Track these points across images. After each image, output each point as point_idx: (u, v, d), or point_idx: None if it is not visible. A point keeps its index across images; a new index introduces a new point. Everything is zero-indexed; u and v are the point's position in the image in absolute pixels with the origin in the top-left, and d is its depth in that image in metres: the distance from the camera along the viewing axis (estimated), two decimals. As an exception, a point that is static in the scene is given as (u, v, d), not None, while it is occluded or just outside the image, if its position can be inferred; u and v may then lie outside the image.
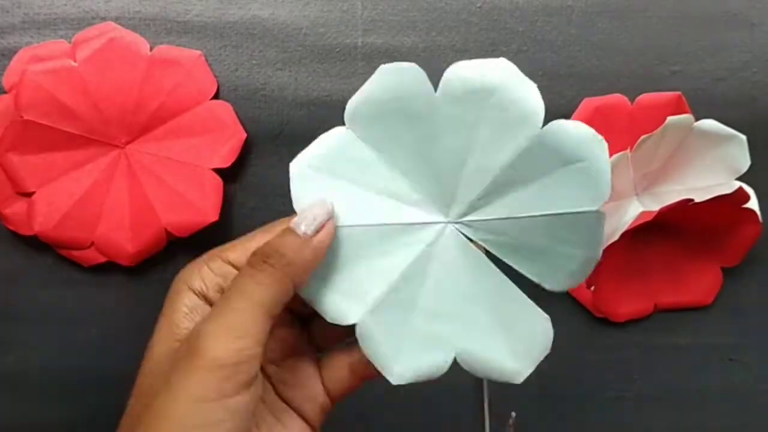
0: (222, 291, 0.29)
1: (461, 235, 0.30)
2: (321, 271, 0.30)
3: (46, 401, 0.45)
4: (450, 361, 0.30)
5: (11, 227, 0.43)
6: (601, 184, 0.28)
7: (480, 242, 0.30)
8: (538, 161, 0.29)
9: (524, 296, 0.30)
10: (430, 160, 0.30)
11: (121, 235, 0.43)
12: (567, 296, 0.47)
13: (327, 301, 0.30)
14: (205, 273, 0.29)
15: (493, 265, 0.30)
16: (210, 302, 0.29)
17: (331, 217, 0.29)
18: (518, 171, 0.29)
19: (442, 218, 0.30)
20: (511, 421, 0.30)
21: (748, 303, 0.48)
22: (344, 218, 0.30)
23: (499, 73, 0.29)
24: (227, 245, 0.30)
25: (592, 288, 0.45)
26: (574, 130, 0.28)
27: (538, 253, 0.30)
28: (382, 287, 0.30)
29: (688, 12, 0.46)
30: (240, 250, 0.30)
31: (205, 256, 0.30)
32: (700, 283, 0.47)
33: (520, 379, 0.30)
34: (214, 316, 0.27)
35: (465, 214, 0.30)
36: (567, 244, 0.29)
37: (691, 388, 0.48)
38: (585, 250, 0.29)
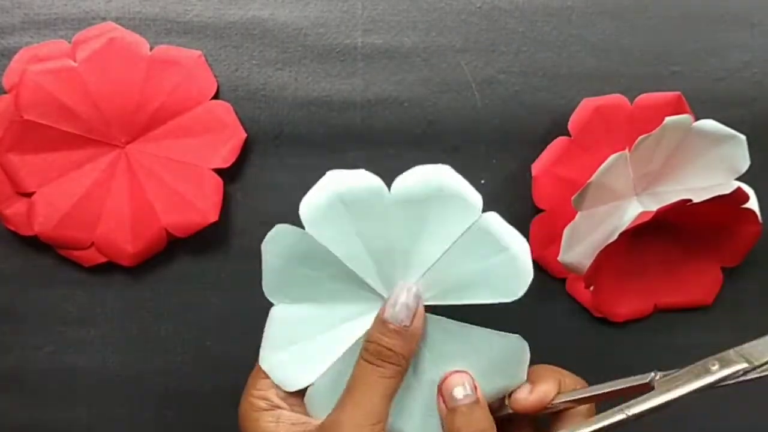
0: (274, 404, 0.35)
1: None
2: (277, 347, 0.35)
3: (46, 401, 0.45)
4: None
5: (11, 227, 0.43)
6: (522, 274, 0.33)
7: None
8: (473, 248, 0.33)
9: (488, 332, 0.34)
10: (381, 251, 0.34)
11: (121, 235, 0.43)
12: (567, 296, 0.47)
13: (280, 373, 0.35)
14: (263, 387, 0.35)
15: (446, 321, 0.35)
16: (281, 408, 0.35)
17: (420, 301, 0.34)
18: (456, 256, 0.34)
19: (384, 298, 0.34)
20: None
21: (748, 303, 0.48)
22: (303, 300, 0.35)
23: (438, 178, 0.34)
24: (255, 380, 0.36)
25: (592, 288, 0.44)
26: (501, 222, 0.34)
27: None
28: (330, 360, 0.35)
29: (688, 12, 0.46)
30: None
31: (250, 386, 0.35)
32: (700, 283, 0.47)
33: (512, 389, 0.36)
34: (350, 407, 0.32)
35: None
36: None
37: (691, 388, 0.47)
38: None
